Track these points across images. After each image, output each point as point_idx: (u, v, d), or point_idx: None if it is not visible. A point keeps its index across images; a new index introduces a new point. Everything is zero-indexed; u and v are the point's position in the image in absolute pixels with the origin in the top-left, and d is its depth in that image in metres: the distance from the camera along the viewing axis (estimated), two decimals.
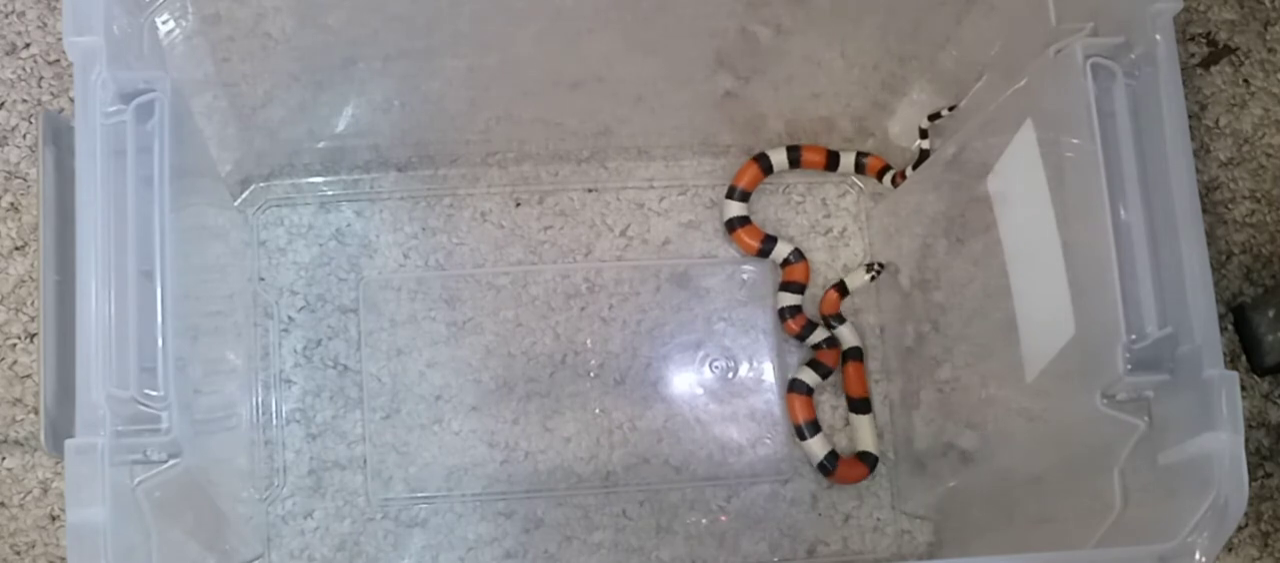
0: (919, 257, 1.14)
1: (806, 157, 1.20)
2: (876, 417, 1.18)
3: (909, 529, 1.17)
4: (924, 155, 1.15)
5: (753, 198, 1.20)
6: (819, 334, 1.17)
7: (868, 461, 1.16)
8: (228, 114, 1.07)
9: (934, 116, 1.13)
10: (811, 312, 1.19)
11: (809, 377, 1.16)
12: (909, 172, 1.17)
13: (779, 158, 1.19)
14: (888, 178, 1.19)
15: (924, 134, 1.14)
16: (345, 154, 1.17)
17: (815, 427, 1.16)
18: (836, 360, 1.17)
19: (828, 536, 1.17)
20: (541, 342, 1.17)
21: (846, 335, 1.18)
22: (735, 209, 1.19)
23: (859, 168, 1.20)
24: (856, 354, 1.18)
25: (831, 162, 1.20)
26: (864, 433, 1.17)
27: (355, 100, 1.11)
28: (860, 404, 1.17)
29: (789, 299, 1.18)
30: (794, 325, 1.17)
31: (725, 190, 1.19)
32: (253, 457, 1.12)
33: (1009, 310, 0.98)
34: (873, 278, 1.18)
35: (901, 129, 1.17)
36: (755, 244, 1.19)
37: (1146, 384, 0.83)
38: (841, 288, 1.19)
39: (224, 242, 1.09)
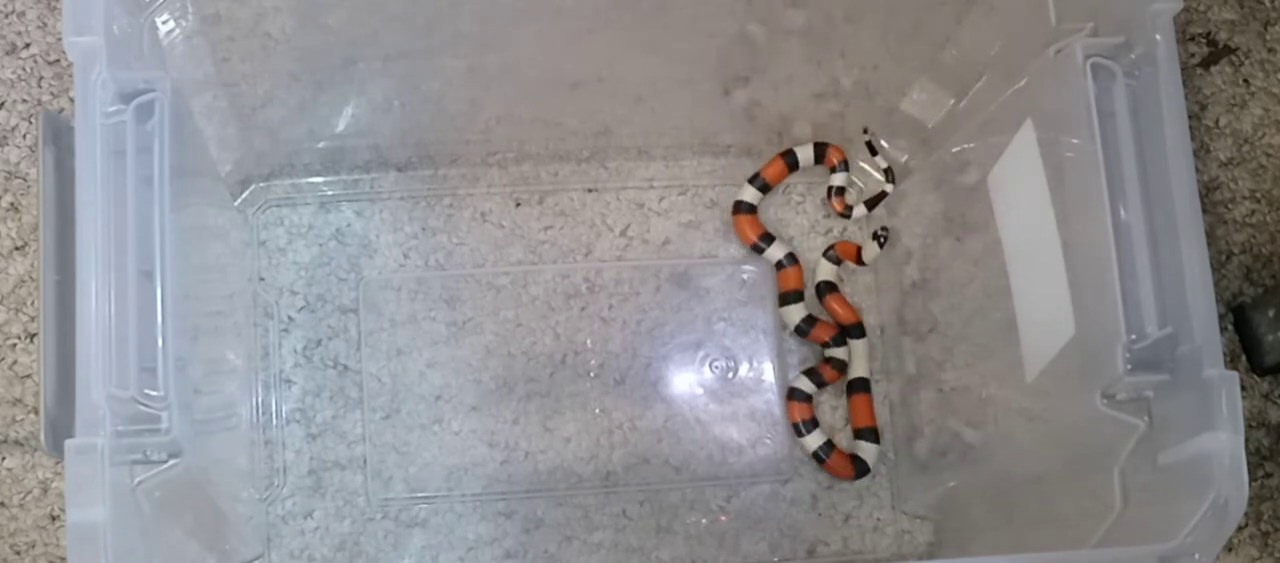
0: (919, 257, 1.14)
1: (769, 175, 1.19)
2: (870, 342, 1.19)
3: (909, 529, 1.17)
4: (882, 196, 1.18)
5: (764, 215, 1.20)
6: (839, 351, 1.17)
7: (860, 386, 1.17)
8: (228, 114, 1.07)
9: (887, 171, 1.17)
10: (814, 309, 1.19)
11: (818, 441, 1.15)
12: (861, 209, 1.19)
13: (752, 194, 1.19)
14: (835, 191, 1.19)
15: (889, 173, 1.18)
16: (345, 154, 1.17)
17: (864, 466, 1.15)
18: (833, 376, 1.17)
19: (828, 536, 1.17)
20: (541, 342, 1.17)
21: (824, 270, 1.19)
22: (778, 252, 1.18)
23: (819, 159, 1.20)
24: (830, 287, 1.18)
25: (791, 163, 1.19)
26: (858, 357, 1.17)
27: (355, 100, 1.11)
28: (855, 329, 1.18)
29: (798, 313, 1.18)
30: (822, 333, 1.17)
31: (747, 247, 1.19)
32: (253, 457, 1.12)
33: (1009, 310, 0.98)
34: (882, 244, 1.16)
35: (904, 121, 1.17)
36: (799, 282, 1.19)
37: (1146, 384, 0.83)
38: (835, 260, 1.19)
39: (224, 242, 1.09)
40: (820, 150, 1.20)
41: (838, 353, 1.17)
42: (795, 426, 1.16)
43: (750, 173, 1.20)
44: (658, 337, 1.18)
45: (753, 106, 1.17)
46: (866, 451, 1.16)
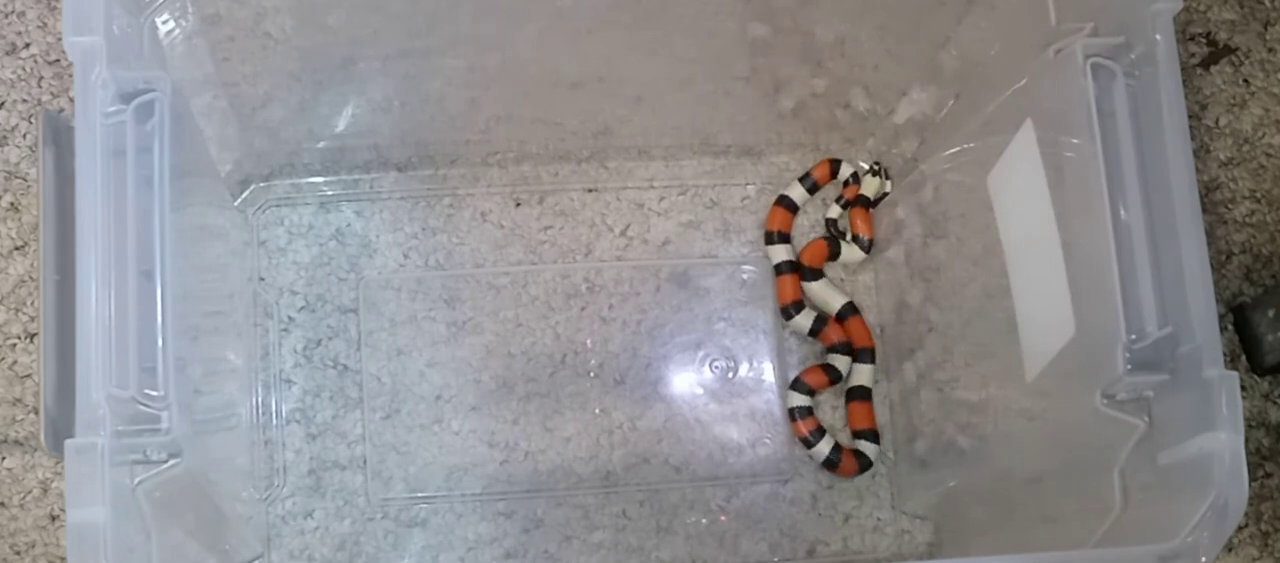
0: (919, 257, 1.14)
1: (776, 223, 1.19)
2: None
3: (909, 529, 1.17)
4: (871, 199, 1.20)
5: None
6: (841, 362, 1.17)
7: (852, 308, 1.18)
8: (228, 114, 1.07)
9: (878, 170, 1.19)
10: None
11: (827, 445, 1.15)
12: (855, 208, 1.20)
13: (783, 251, 1.19)
14: (854, 179, 1.20)
15: (882, 171, 1.19)
16: (345, 154, 1.17)
17: (867, 461, 1.16)
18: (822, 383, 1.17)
19: (828, 536, 1.17)
20: (541, 342, 1.17)
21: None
22: (801, 323, 1.18)
23: (813, 190, 1.20)
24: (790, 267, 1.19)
25: (792, 208, 1.20)
26: (831, 293, 1.18)
27: (355, 100, 1.11)
28: (813, 274, 1.19)
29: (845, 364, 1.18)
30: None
31: (780, 308, 1.19)
32: (253, 457, 1.12)
33: (1009, 310, 0.98)
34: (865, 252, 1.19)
35: (905, 121, 1.18)
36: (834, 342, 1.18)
37: (1146, 384, 0.83)
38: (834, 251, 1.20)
39: (224, 242, 1.09)
40: (811, 184, 1.20)
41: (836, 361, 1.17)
42: (803, 439, 1.16)
43: (749, 174, 1.21)
44: (658, 337, 1.18)
45: (753, 107, 1.17)
46: (867, 449, 1.16)
